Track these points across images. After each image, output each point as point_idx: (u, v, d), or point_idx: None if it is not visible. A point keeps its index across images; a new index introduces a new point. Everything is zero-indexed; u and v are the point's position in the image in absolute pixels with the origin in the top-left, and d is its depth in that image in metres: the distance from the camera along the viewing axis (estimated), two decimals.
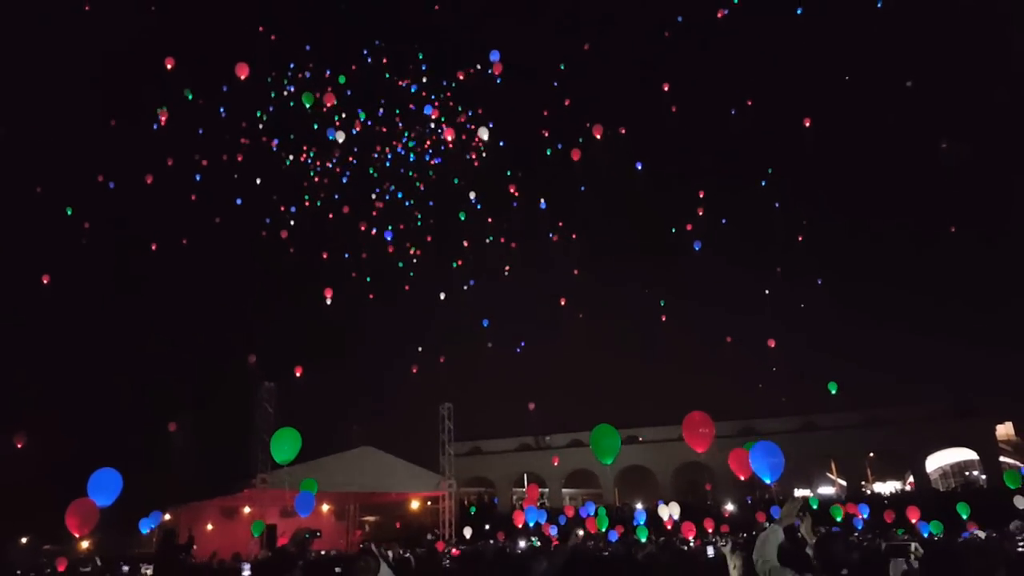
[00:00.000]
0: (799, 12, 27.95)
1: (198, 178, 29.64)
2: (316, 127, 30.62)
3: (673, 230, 31.52)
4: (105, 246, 31.15)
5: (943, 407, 42.22)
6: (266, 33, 29.59)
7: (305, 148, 31.29)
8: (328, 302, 27.36)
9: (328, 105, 26.48)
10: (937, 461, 45.55)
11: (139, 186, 27.21)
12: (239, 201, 29.24)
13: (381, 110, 31.92)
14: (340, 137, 26.66)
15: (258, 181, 29.42)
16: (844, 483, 44.33)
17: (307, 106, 25.98)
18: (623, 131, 31.23)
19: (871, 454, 44.68)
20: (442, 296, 31.61)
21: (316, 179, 31.07)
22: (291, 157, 30.48)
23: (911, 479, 43.78)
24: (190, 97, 26.30)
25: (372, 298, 32.97)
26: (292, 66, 29.94)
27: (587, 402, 41.99)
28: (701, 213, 30.57)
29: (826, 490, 45.38)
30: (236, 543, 26.54)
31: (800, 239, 34.68)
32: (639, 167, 30.44)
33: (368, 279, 32.52)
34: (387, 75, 31.35)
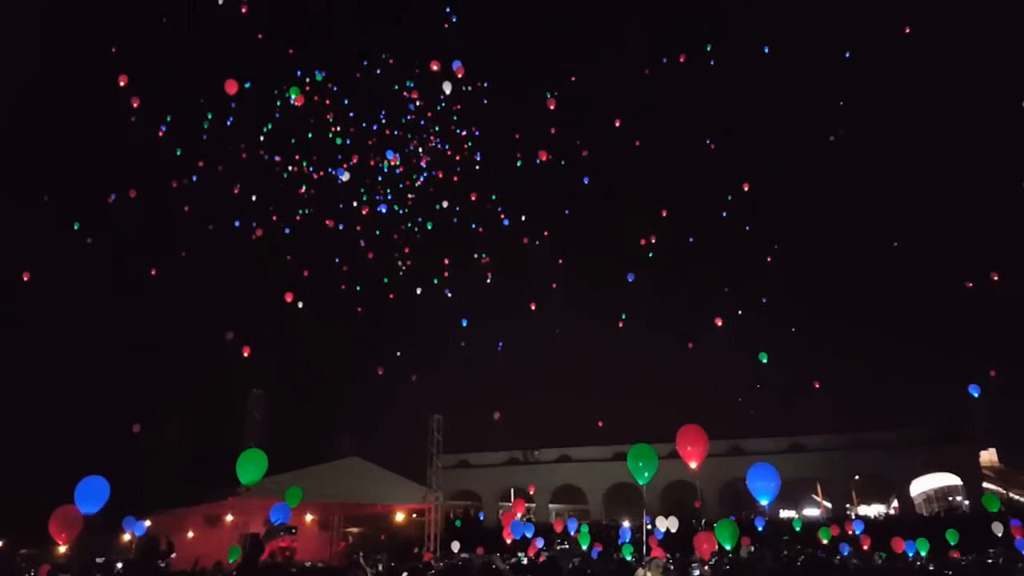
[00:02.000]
0: (766, 50, 29.56)
1: (195, 178, 29.89)
2: (311, 135, 30.98)
3: (651, 255, 32.32)
4: (97, 252, 31.15)
5: (929, 432, 42.54)
6: (271, 44, 29.86)
7: (298, 157, 31.51)
8: (299, 305, 27.70)
9: (298, 105, 26.89)
10: (921, 486, 45.79)
11: (138, 194, 27.36)
12: (237, 224, 29.46)
13: (382, 120, 32.23)
14: (346, 177, 27.31)
15: (254, 198, 29.68)
16: (829, 505, 44.46)
17: (292, 98, 26.39)
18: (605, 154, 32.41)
19: (856, 477, 44.85)
20: (418, 291, 31.82)
21: (312, 190, 31.31)
22: (290, 168, 30.74)
23: (895, 503, 43.97)
24: (210, 116, 26.82)
25: (360, 311, 33.09)
26: (299, 74, 30.26)
27: (575, 418, 42.08)
28: (654, 240, 31.71)
29: (811, 512, 45.50)
30: (219, 551, 26.27)
31: (770, 260, 35.59)
32: (586, 181, 31.64)
33: (358, 288, 32.65)
34: (396, 87, 31.59)
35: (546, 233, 35.58)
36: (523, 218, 33.52)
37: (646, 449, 13.55)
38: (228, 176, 30.64)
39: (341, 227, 31.15)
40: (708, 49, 31.18)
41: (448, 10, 29.76)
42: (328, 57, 32.87)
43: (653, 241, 31.86)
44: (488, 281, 33.51)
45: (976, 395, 24.44)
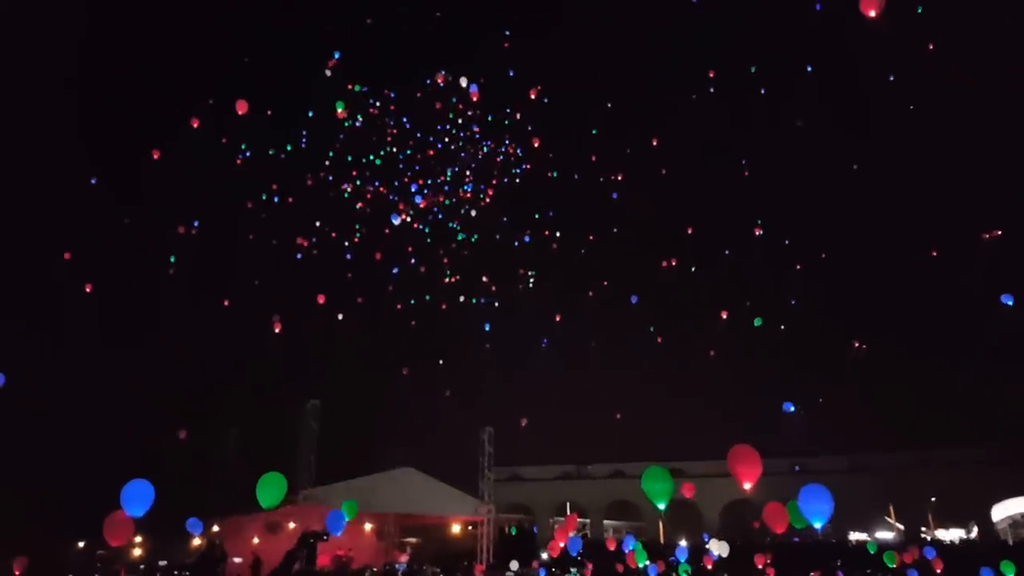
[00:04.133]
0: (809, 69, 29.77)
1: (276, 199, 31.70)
2: (376, 160, 32.07)
3: (693, 268, 32.48)
4: (159, 257, 33.04)
5: (1012, 450, 40.08)
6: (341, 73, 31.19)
7: (355, 173, 32.59)
8: (339, 316, 28.92)
9: (341, 118, 28.05)
10: (1006, 510, 42.97)
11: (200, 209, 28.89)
12: (299, 257, 30.85)
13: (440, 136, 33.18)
14: (397, 221, 28.45)
15: (318, 224, 31.01)
16: (902, 527, 42.24)
17: (339, 110, 27.61)
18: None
19: (932, 499, 42.47)
20: (473, 300, 32.31)
21: (368, 209, 32.38)
22: (348, 190, 31.93)
23: (976, 528, 41.42)
24: (289, 148, 28.54)
25: (413, 325, 33.77)
26: (364, 89, 31.44)
27: (630, 433, 41.38)
28: (675, 263, 31.67)
29: (884, 535, 43.25)
30: (281, 557, 26.97)
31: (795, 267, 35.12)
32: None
33: (412, 301, 33.30)
34: (451, 113, 32.41)
35: (591, 237, 35.91)
36: (557, 233, 34.15)
37: (660, 472, 12.92)
38: (297, 201, 32.34)
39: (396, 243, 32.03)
40: (752, 71, 31.54)
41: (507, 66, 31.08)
42: (390, 76, 33.92)
43: (674, 264, 32.15)
44: (530, 287, 33.93)
45: (1010, 303, 22.54)
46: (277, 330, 27.58)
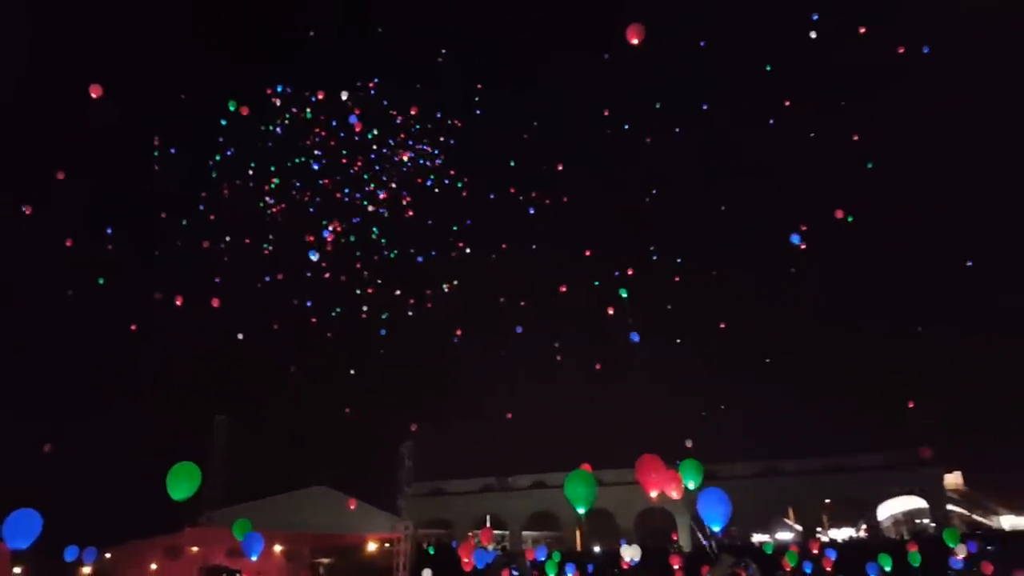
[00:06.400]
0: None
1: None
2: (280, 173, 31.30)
3: (617, 273, 33.54)
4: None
5: (900, 455, 43.35)
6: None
7: (273, 180, 31.77)
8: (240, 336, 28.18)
9: (244, 114, 27.64)
10: (890, 509, 46.30)
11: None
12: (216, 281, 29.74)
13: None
14: (315, 257, 28.06)
15: (228, 238, 30.07)
16: (800, 528, 44.70)
17: (231, 110, 27.10)
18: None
19: (827, 500, 45.27)
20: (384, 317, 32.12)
21: (279, 218, 31.59)
22: (269, 200, 31.19)
23: (864, 526, 44.46)
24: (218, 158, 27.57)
25: (330, 336, 32.96)
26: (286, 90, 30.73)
27: (549, 443, 41.83)
28: (631, 273, 32.90)
29: (784, 535, 45.59)
30: None
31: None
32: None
33: (334, 313, 32.53)
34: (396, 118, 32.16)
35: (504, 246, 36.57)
36: (468, 250, 34.64)
37: (585, 476, 13.28)
38: (219, 214, 31.29)
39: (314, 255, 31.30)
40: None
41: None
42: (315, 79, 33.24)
43: (630, 273, 33.10)
44: (447, 296, 33.99)
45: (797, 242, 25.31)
46: (216, 305, 26.14)
